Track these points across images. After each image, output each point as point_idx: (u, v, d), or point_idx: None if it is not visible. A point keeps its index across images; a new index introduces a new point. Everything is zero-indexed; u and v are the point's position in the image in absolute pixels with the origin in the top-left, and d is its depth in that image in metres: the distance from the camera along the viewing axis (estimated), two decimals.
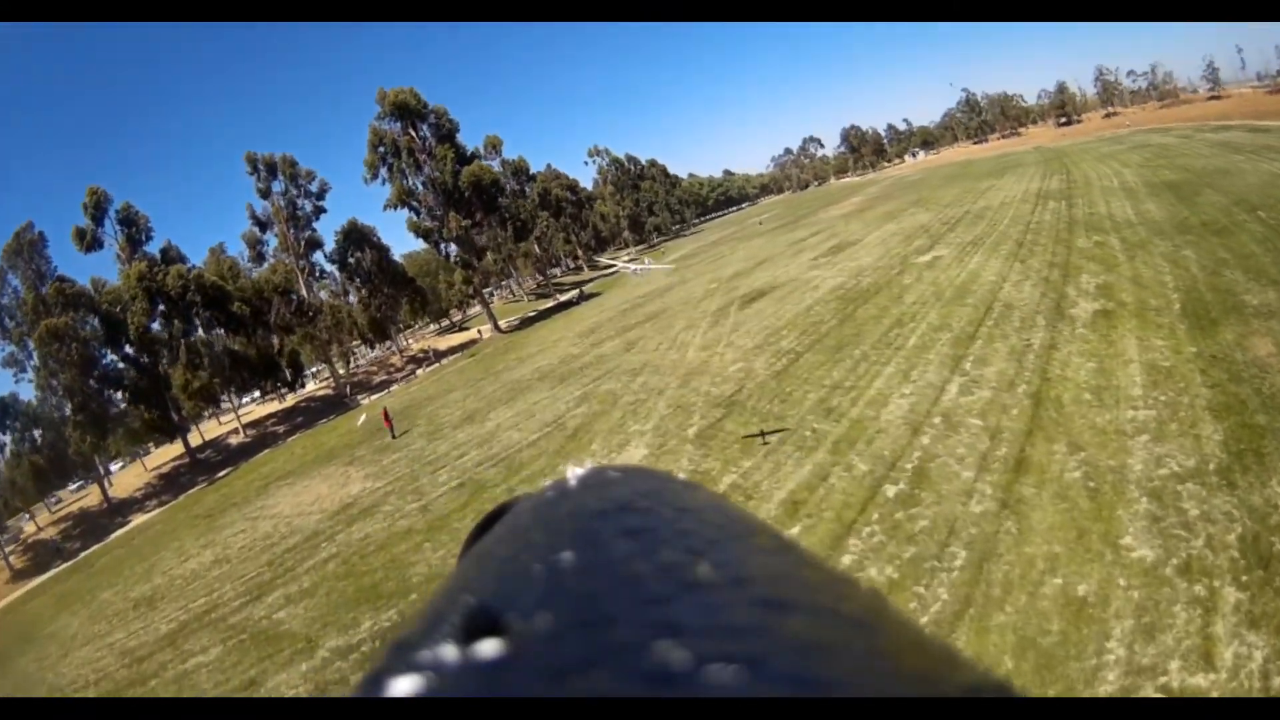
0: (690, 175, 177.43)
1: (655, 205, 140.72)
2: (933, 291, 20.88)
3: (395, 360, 64.30)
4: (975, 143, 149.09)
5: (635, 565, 0.25)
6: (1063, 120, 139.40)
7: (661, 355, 24.20)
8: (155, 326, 47.00)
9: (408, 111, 53.41)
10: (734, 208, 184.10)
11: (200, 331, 49.58)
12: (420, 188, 55.09)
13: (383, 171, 54.75)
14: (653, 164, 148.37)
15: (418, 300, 66.10)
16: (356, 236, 59.79)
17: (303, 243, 57.07)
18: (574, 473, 0.37)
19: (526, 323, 57.29)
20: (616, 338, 31.71)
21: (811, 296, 25.27)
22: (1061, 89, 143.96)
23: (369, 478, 23.06)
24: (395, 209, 55.13)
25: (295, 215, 56.82)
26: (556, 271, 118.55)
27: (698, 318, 28.86)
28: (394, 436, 28.41)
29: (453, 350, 57.75)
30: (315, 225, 58.24)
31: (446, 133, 54.37)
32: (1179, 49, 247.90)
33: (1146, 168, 37.40)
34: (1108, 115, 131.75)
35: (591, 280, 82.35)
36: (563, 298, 65.36)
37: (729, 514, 0.32)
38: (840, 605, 0.23)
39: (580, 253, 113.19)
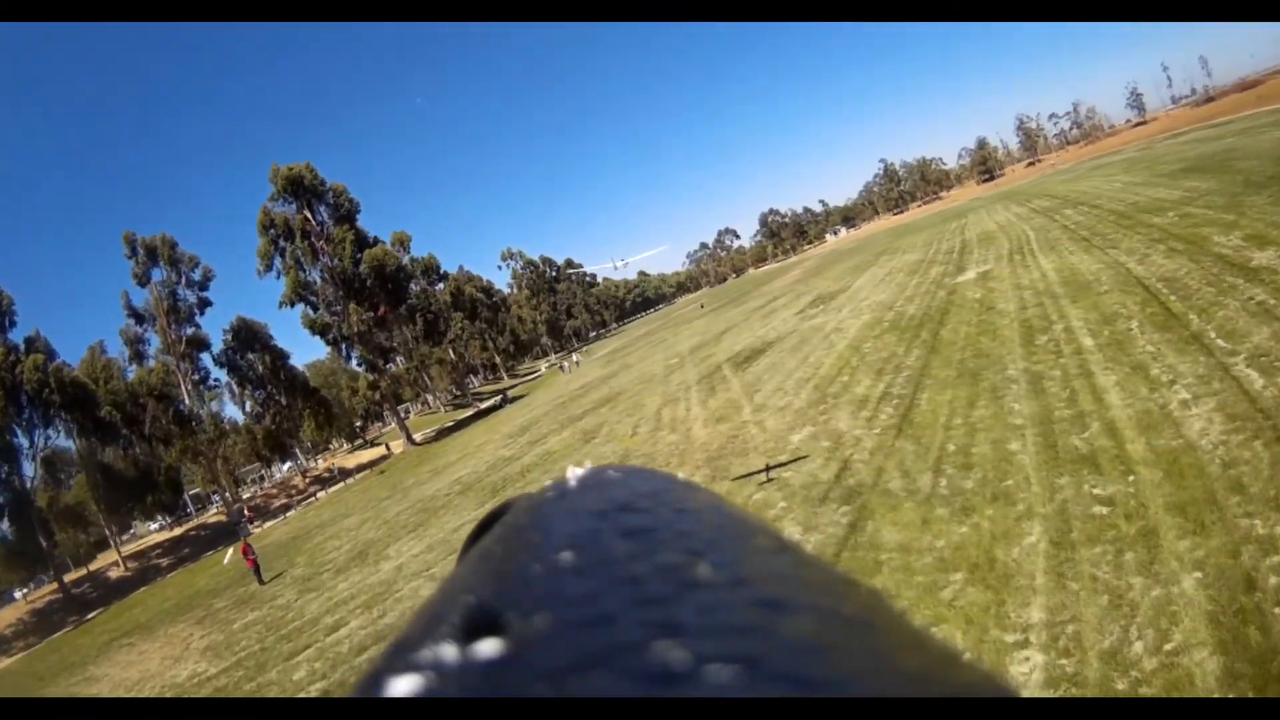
0: (605, 277, 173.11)
1: (574, 307, 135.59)
2: (1033, 293, 15.02)
3: (298, 481, 54.90)
4: (895, 213, 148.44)
5: (635, 565, 0.24)
6: (985, 177, 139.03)
7: (649, 440, 16.78)
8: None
9: (302, 189, 46.26)
10: (651, 309, 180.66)
11: (66, 439, 42.86)
12: (318, 279, 47.17)
13: (277, 263, 46.84)
14: (569, 264, 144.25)
15: (322, 413, 57.17)
16: (246, 336, 51.37)
17: (184, 340, 47.99)
18: (574, 473, 0.36)
19: (444, 433, 49.41)
20: (564, 430, 24.08)
21: (842, 340, 18.67)
22: (982, 144, 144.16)
23: (207, 654, 15.06)
24: (291, 306, 46.91)
25: (176, 307, 47.81)
26: (474, 380, 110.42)
27: (676, 391, 21.78)
28: (261, 582, 20.04)
29: (361, 468, 49.56)
30: (200, 320, 49.41)
31: (346, 213, 47.31)
32: (1101, 81, 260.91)
33: (1139, 171, 34.09)
34: (1030, 164, 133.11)
35: (515, 385, 75.01)
36: (484, 405, 57.61)
37: (728, 514, 0.31)
38: (840, 605, 0.23)
39: (499, 359, 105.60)
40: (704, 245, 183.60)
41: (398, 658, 0.21)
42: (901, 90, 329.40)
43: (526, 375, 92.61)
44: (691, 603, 0.21)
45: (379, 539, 19.14)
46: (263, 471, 63.87)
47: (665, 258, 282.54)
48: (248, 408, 53.04)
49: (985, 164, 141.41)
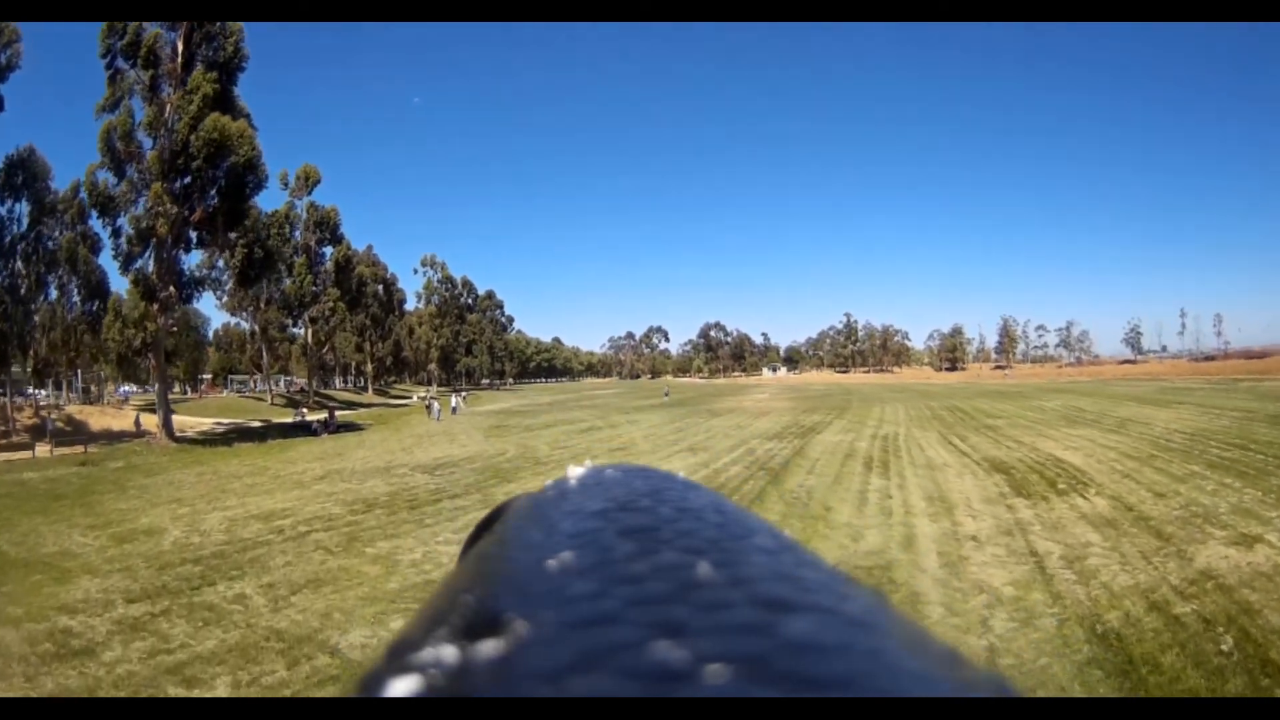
0: (518, 331, 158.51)
1: (475, 346, 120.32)
2: None
3: (21, 416, 37.70)
4: (838, 371, 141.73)
5: (635, 565, 0.24)
6: (948, 366, 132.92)
7: None
8: None
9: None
10: (555, 379, 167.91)
11: None
12: (147, 144, 30.86)
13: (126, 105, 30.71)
14: (489, 297, 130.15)
15: (97, 330, 40.38)
16: (26, 177, 36.02)
17: None
18: (574, 472, 0.36)
19: (235, 436, 33.61)
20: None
21: None
22: (957, 332, 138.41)
23: None
24: (107, 164, 30.63)
25: None
26: (337, 382, 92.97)
27: None
28: None
29: (98, 437, 33.10)
30: None
31: (224, 62, 31.73)
32: (1104, 306, 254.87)
33: None
34: (997, 367, 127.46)
35: (368, 408, 59.95)
36: (308, 416, 41.66)
37: (729, 514, 0.31)
38: (840, 605, 0.22)
39: (370, 367, 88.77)
40: (630, 335, 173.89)
41: (398, 657, 0.21)
42: (900, 252, 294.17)
43: (396, 399, 76.83)
44: (692, 602, 0.21)
45: None
46: None
47: (588, 332, 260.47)
48: None
49: (953, 353, 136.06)
